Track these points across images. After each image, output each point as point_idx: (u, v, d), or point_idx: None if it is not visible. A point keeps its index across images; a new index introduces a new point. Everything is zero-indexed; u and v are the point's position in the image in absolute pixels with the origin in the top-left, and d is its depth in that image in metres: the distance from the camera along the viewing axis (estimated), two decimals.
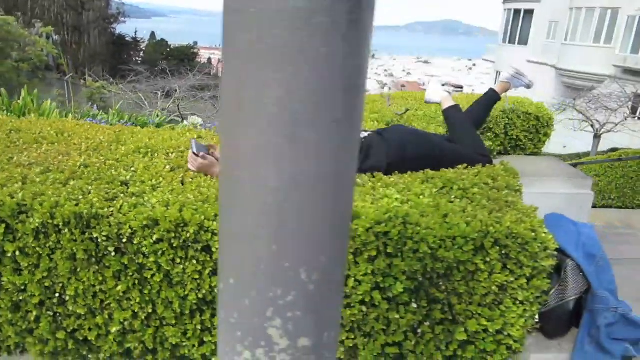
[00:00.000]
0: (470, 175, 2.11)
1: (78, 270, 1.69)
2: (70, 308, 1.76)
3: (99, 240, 1.63)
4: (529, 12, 22.49)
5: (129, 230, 1.60)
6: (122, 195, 1.73)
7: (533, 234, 1.69)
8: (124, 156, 2.12)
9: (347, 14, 0.74)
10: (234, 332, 0.96)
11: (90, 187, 1.75)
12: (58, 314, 1.80)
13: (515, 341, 1.85)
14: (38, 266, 1.70)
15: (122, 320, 1.77)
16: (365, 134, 2.14)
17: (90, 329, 1.80)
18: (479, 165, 2.25)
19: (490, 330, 1.81)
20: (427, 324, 1.80)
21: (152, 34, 44.00)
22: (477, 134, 2.49)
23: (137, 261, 1.66)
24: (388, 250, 1.66)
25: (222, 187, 0.77)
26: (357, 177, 1.99)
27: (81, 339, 1.84)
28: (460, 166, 2.21)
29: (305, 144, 0.79)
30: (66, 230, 1.63)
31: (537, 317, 1.85)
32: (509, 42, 23.77)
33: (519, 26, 23.12)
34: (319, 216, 0.85)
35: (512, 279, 1.74)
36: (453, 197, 1.90)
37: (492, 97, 2.65)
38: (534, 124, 4.34)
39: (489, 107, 2.66)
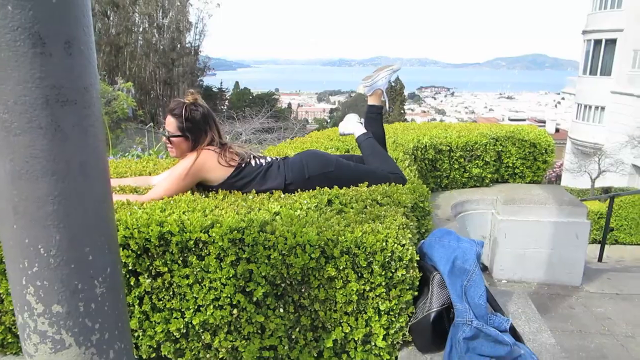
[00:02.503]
0: (365, 193, 2.22)
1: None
2: (6, 305, 2.12)
3: None
4: (611, 42, 21.25)
5: None
6: None
7: (383, 244, 1.78)
8: None
9: (30, 48, 1.04)
10: (13, 300, 1.24)
11: None
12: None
13: (387, 353, 1.90)
14: None
15: None
16: (269, 159, 2.36)
17: None
18: (385, 184, 2.36)
19: (356, 339, 1.88)
20: (297, 329, 1.92)
21: (236, 84, 47.49)
22: (387, 154, 2.60)
23: None
24: (245, 256, 1.83)
25: None
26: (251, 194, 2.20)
27: (17, 333, 2.19)
28: (362, 184, 2.34)
29: (17, 145, 1.08)
30: None
31: (407, 329, 1.88)
32: (590, 73, 22.50)
33: (600, 56, 21.87)
34: (43, 204, 1.13)
35: (368, 288, 1.82)
36: (329, 210, 2.04)
37: (374, 112, 2.73)
38: (531, 151, 4.22)
39: (379, 121, 2.74)
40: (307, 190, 2.30)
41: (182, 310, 1.92)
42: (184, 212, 1.95)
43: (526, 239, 3.79)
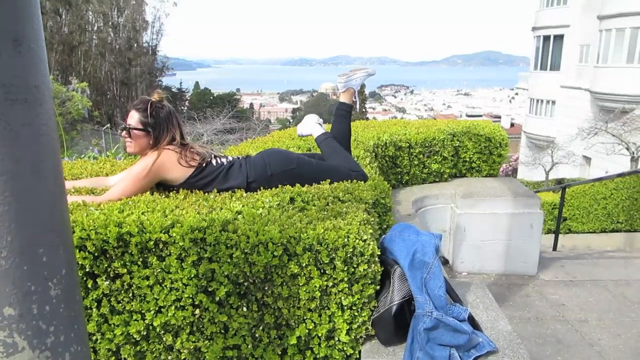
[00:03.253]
0: (327, 190, 2.24)
1: None
2: None
3: None
4: (559, 37, 22.18)
5: None
6: None
7: (345, 240, 1.80)
8: None
9: None
10: None
11: None
12: None
13: (351, 347, 1.92)
14: None
15: None
16: (230, 158, 2.35)
17: None
18: (347, 181, 2.39)
19: (320, 335, 1.90)
20: (261, 328, 1.92)
21: (197, 84, 46.72)
22: (347, 152, 2.63)
23: None
24: (207, 256, 1.82)
25: None
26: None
27: None
28: (324, 182, 2.36)
29: None
30: None
31: (369, 323, 1.91)
32: (541, 69, 23.42)
33: (549, 52, 22.80)
34: None
35: (331, 284, 1.84)
36: (292, 208, 2.05)
37: (344, 109, 2.78)
38: (487, 145, 4.37)
39: (347, 118, 2.78)
40: (269, 189, 2.30)
41: (143, 312, 1.88)
42: (143, 213, 1.91)
43: (484, 231, 3.92)
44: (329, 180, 2.37)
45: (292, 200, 2.14)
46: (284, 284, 1.85)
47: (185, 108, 34.97)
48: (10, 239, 1.07)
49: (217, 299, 1.85)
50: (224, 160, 2.34)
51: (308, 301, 1.87)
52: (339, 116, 2.77)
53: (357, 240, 1.81)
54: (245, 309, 1.89)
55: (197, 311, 1.88)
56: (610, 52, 18.20)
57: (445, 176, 4.31)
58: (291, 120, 58.94)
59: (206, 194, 2.23)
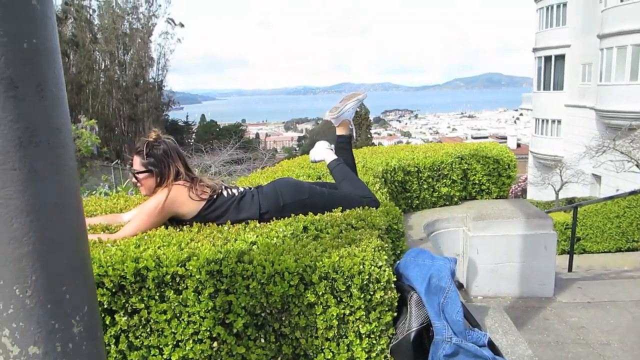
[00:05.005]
0: (339, 217, 2.26)
1: None
2: None
3: None
4: (560, 57, 22.38)
5: None
6: None
7: (361, 267, 1.81)
8: None
9: (3, 92, 1.05)
10: None
11: None
12: None
13: None
14: None
15: None
16: (242, 189, 2.37)
17: None
18: (360, 208, 2.40)
19: None
20: (279, 359, 1.90)
21: (202, 117, 47.39)
22: (358, 178, 2.66)
23: None
24: (224, 287, 1.82)
25: None
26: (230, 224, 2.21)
27: None
28: (336, 209, 2.37)
29: None
30: None
31: (388, 351, 1.89)
32: (544, 89, 23.56)
33: (551, 72, 22.97)
34: (18, 245, 1.11)
35: (348, 312, 1.84)
36: (305, 237, 2.06)
37: (343, 141, 2.81)
38: (495, 167, 4.38)
39: (348, 150, 2.81)
40: (282, 218, 2.31)
41: (161, 346, 1.88)
42: (159, 247, 1.93)
43: (497, 253, 3.89)
44: (341, 207, 2.38)
45: (305, 229, 2.16)
46: (301, 313, 1.85)
47: (192, 140, 35.38)
48: (35, 278, 1.09)
49: (235, 330, 1.85)
50: (234, 191, 2.37)
51: (326, 330, 1.86)
52: (339, 149, 2.81)
53: (373, 267, 1.82)
54: (263, 340, 1.88)
55: (215, 344, 1.87)
56: (613, 70, 18.31)
57: (456, 199, 4.31)
58: (297, 149, 59.36)
59: (219, 225, 2.25)
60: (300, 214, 2.31)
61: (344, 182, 2.56)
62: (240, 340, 1.87)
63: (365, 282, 1.80)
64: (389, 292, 1.85)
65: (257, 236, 2.06)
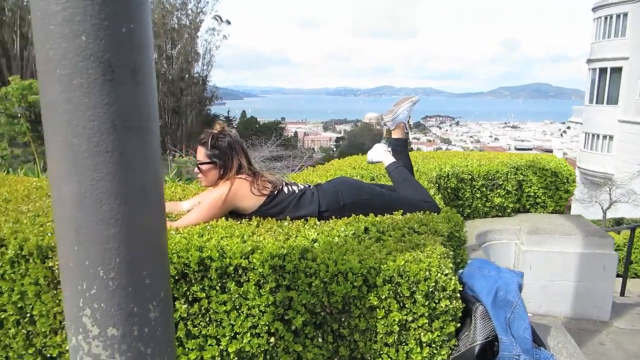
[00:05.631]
0: (401, 221, 2.20)
1: (41, 293, 2.04)
2: (38, 327, 2.10)
3: (54, 268, 1.98)
4: (617, 70, 21.44)
5: None
6: None
7: (427, 273, 1.75)
8: None
9: (101, 75, 1.07)
10: (67, 322, 1.22)
11: None
12: (30, 332, 2.14)
13: None
14: (13, 289, 2.08)
15: None
16: (302, 186, 2.36)
17: (53, 347, 2.11)
18: (420, 212, 2.34)
19: None
20: None
21: (243, 113, 48.10)
22: (418, 182, 2.59)
23: None
24: (285, 283, 1.81)
25: (52, 204, 1.12)
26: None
27: (48, 355, 2.15)
28: (397, 212, 2.32)
29: (84, 168, 1.09)
30: (31, 260, 2.01)
31: None
32: (597, 102, 22.63)
33: (606, 85, 22.04)
34: (105, 226, 1.13)
35: (411, 318, 1.78)
36: (367, 238, 2.02)
37: (399, 144, 2.76)
38: (553, 180, 4.20)
39: (405, 153, 2.76)
40: (341, 218, 2.28)
41: (218, 337, 1.88)
42: (222, 238, 1.93)
43: (552, 270, 3.73)
44: (402, 210, 2.33)
45: (366, 230, 2.12)
46: (362, 315, 1.81)
47: None
48: (119, 261, 1.10)
49: (294, 327, 1.83)
50: (295, 188, 2.36)
51: (385, 335, 1.81)
52: (396, 152, 2.76)
53: (439, 274, 1.76)
54: (320, 339, 1.85)
55: (272, 339, 1.86)
56: None
57: (509, 211, 4.17)
58: (334, 149, 59.34)
59: (279, 221, 2.24)
60: (360, 215, 2.27)
61: (403, 185, 2.50)
62: (297, 337, 1.85)
63: (431, 289, 1.75)
64: (454, 301, 1.79)
65: (317, 234, 2.03)
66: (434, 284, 1.75)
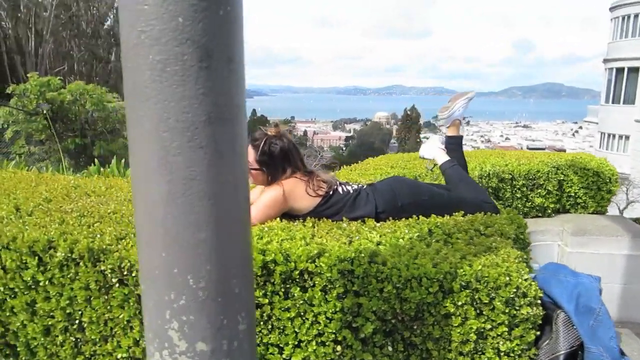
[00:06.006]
0: (464, 222, 2.10)
1: (92, 298, 1.96)
2: (87, 334, 2.01)
3: (106, 272, 1.90)
4: (634, 70, 21.12)
5: (128, 264, 1.85)
6: (132, 235, 2.00)
7: (507, 278, 1.65)
8: None
9: (197, 61, 0.96)
10: (149, 335, 1.12)
11: (109, 228, 2.05)
12: (78, 340, 2.06)
13: None
14: (62, 294, 2.00)
15: (127, 347, 1.97)
16: (356, 186, 2.25)
17: (102, 355, 2.03)
18: (481, 213, 2.23)
19: None
20: None
21: (253, 111, 48.20)
22: (475, 182, 2.48)
23: (136, 292, 1.89)
24: (354, 289, 1.71)
25: (134, 205, 1.01)
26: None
27: None
28: (457, 213, 2.21)
29: (175, 166, 0.99)
30: (82, 263, 1.92)
31: None
32: (613, 102, 22.34)
33: (622, 85, 21.74)
34: (197, 230, 1.02)
35: (489, 327, 1.68)
36: (434, 240, 1.91)
37: (454, 142, 2.66)
38: (594, 180, 4.07)
39: (459, 152, 2.67)
40: (398, 219, 2.18)
41: (281, 345, 1.79)
42: (283, 240, 1.84)
43: (597, 272, 3.59)
44: (462, 212, 2.22)
45: (430, 232, 2.01)
46: (436, 323, 1.70)
47: None
48: (209, 268, 1.00)
49: (362, 336, 1.73)
50: (349, 188, 2.26)
51: (461, 344, 1.71)
52: (450, 151, 2.65)
53: (520, 280, 1.65)
54: (390, 348, 1.75)
55: (339, 348, 1.76)
56: None
57: (549, 211, 4.04)
58: (344, 148, 59.15)
59: (335, 222, 2.14)
60: (421, 216, 2.17)
61: (461, 185, 2.39)
62: (366, 346, 1.75)
63: (511, 296, 1.64)
64: (535, 308, 1.68)
65: (380, 236, 1.93)
66: (515, 290, 1.64)
